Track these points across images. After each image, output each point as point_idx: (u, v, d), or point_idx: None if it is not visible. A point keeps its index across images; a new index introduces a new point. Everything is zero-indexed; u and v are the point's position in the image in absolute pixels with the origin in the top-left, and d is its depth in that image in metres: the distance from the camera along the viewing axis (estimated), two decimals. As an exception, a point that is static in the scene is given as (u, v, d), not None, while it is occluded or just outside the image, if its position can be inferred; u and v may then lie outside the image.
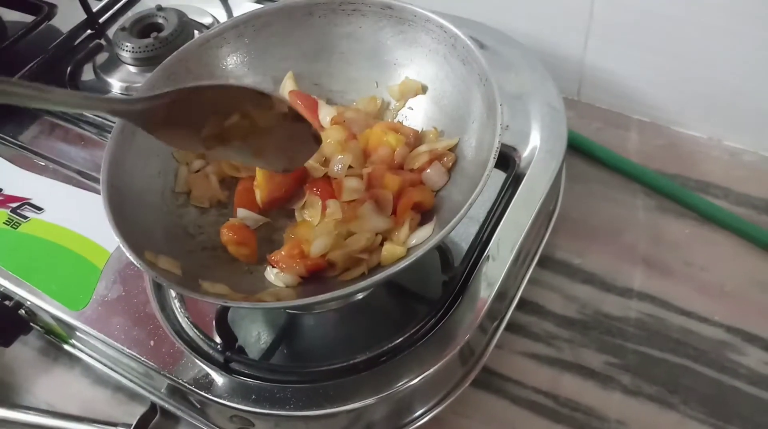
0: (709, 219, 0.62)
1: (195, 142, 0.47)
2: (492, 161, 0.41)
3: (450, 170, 0.50)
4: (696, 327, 0.56)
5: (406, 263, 0.40)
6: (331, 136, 0.52)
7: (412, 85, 0.53)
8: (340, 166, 0.50)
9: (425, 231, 0.47)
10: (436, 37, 0.51)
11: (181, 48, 0.53)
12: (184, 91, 0.45)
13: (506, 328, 0.55)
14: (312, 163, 0.50)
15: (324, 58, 0.56)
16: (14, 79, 0.42)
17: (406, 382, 0.47)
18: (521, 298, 0.56)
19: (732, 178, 0.64)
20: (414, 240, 0.47)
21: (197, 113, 0.46)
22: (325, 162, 0.51)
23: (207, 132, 0.47)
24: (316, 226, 0.48)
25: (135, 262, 0.42)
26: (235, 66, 0.55)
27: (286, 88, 0.56)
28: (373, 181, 0.48)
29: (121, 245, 0.43)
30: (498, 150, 0.42)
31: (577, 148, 0.67)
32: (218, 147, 0.47)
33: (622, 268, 0.60)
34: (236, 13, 0.76)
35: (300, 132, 0.47)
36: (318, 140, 0.48)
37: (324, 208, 0.49)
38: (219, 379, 0.49)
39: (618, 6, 0.63)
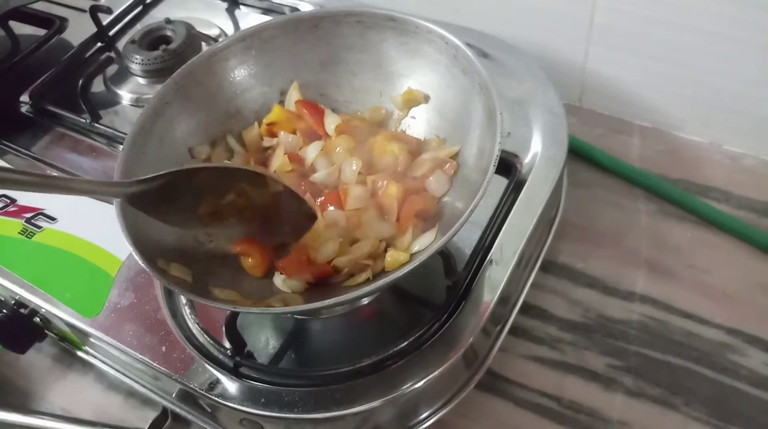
0: (710, 223, 0.62)
1: (191, 220, 0.48)
2: (492, 168, 0.42)
3: (452, 177, 0.51)
4: (698, 329, 0.56)
5: (409, 268, 0.41)
6: (339, 145, 0.53)
7: (415, 95, 0.55)
8: (350, 171, 0.51)
9: (428, 237, 0.48)
10: (438, 47, 0.52)
11: (190, 61, 0.54)
12: (178, 173, 0.46)
13: (510, 332, 0.56)
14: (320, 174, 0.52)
15: (329, 69, 0.57)
16: (16, 169, 0.45)
17: (411, 385, 0.48)
18: (525, 303, 0.57)
19: (733, 182, 0.65)
20: (417, 246, 0.48)
21: (192, 193, 0.47)
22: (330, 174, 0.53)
23: (203, 210, 0.48)
24: (320, 233, 0.49)
25: (147, 270, 0.43)
26: (242, 78, 0.56)
27: (292, 98, 0.57)
28: (377, 189, 0.49)
29: (134, 253, 0.44)
30: (498, 158, 0.43)
31: (579, 154, 0.68)
32: (214, 224, 0.49)
33: (624, 272, 0.60)
34: (243, 25, 0.78)
35: (295, 208, 0.49)
36: (313, 217, 0.49)
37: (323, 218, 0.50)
38: (229, 383, 0.50)
39: (618, 14, 0.64)
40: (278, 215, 0.49)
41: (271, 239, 0.50)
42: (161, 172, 0.45)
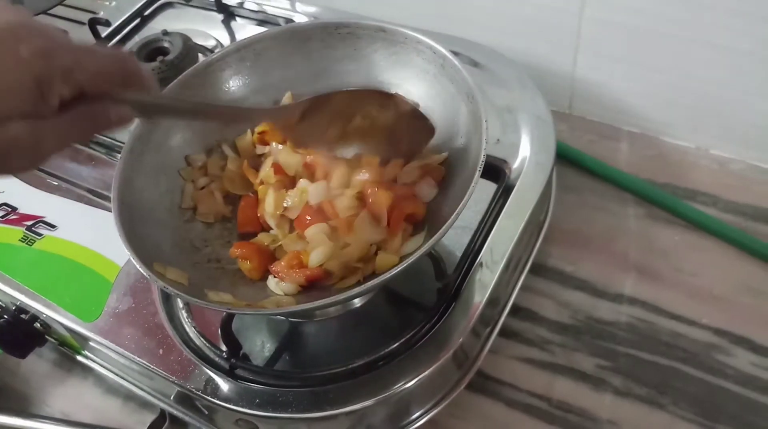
0: (698, 226, 0.63)
1: (321, 142, 0.52)
2: (477, 175, 0.43)
3: (440, 183, 0.52)
4: (685, 330, 0.57)
5: (398, 270, 0.43)
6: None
7: None
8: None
9: (417, 240, 0.49)
10: (427, 57, 0.53)
11: (186, 72, 0.56)
12: (318, 98, 0.50)
13: (501, 334, 0.57)
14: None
15: (322, 78, 0.58)
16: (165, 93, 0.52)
17: (403, 385, 0.49)
18: (515, 305, 0.58)
19: (720, 186, 0.66)
20: (406, 249, 0.49)
21: (326, 116, 0.51)
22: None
23: (331, 134, 0.51)
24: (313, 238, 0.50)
25: (145, 274, 0.45)
26: (237, 88, 0.58)
27: None
28: (367, 196, 0.50)
29: (131, 258, 0.45)
30: (483, 164, 0.44)
31: (569, 160, 0.69)
32: (340, 145, 0.53)
33: (613, 275, 0.61)
34: (239, 36, 0.80)
35: (416, 125, 0.52)
36: (432, 131, 0.52)
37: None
38: (225, 385, 0.51)
39: (604, 23, 0.65)
40: (398, 133, 0.52)
41: (388, 153, 0.53)
42: (306, 98, 0.50)
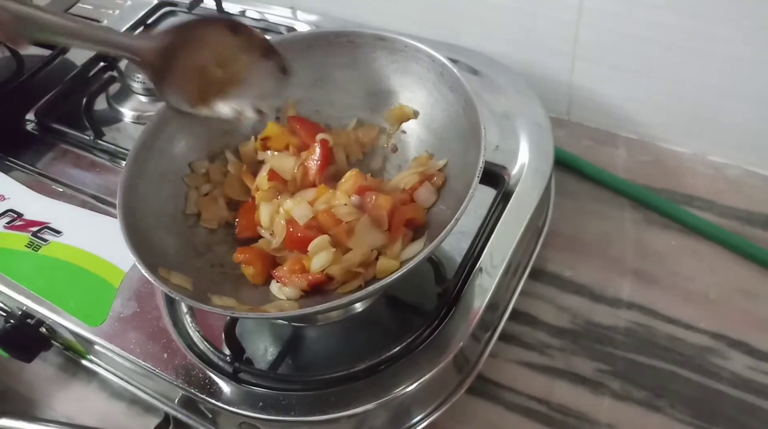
0: (694, 231, 0.64)
1: (188, 100, 0.52)
2: (476, 181, 0.44)
3: (439, 189, 0.53)
4: (682, 334, 0.58)
5: (399, 274, 0.43)
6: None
7: (405, 111, 0.57)
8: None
9: (417, 246, 0.50)
10: (426, 65, 0.54)
11: (190, 80, 0.56)
12: (179, 29, 0.51)
13: (500, 338, 0.58)
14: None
15: (323, 86, 0.59)
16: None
17: (404, 388, 0.49)
18: (515, 309, 0.59)
19: (716, 191, 0.67)
20: (406, 254, 0.50)
21: (190, 65, 0.51)
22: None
23: (196, 93, 0.52)
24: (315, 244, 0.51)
25: (150, 279, 0.45)
26: (240, 95, 0.59)
27: (287, 114, 0.59)
28: (367, 202, 0.51)
29: (137, 263, 0.46)
30: (481, 170, 0.45)
31: (567, 166, 0.70)
32: (203, 106, 0.53)
33: (611, 279, 0.62)
34: (241, 44, 0.81)
35: (271, 68, 0.53)
36: (286, 72, 0.53)
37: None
38: (228, 388, 0.52)
39: (601, 31, 0.66)
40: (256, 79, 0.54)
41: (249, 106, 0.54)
42: (164, 31, 0.51)
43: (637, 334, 0.59)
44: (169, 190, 0.55)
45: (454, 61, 0.52)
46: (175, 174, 0.56)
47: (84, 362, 0.64)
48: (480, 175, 0.45)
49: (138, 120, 0.74)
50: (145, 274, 0.45)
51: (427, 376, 0.50)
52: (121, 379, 0.61)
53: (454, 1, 0.73)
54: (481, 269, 0.55)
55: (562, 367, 0.58)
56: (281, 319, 0.55)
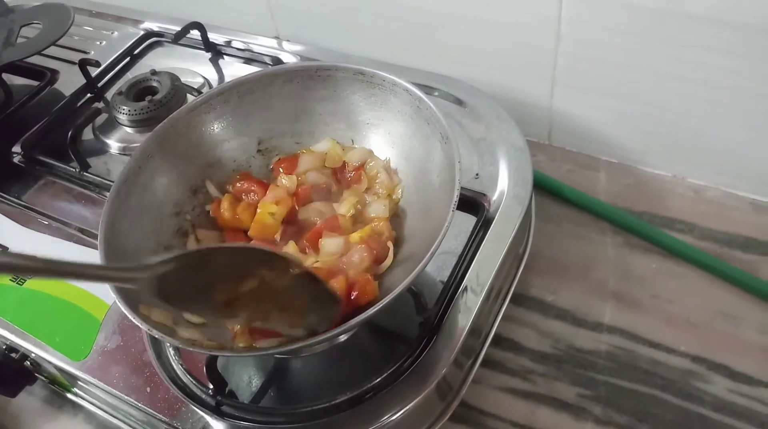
0: (674, 254, 0.65)
1: (207, 308, 0.45)
2: (451, 214, 0.45)
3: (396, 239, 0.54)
4: (663, 358, 0.58)
5: (376, 309, 0.44)
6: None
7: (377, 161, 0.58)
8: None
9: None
10: (403, 99, 0.55)
11: (171, 115, 0.57)
12: (193, 254, 0.44)
13: (483, 364, 0.58)
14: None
15: (304, 119, 0.60)
16: (19, 253, 0.37)
17: (388, 418, 0.50)
18: (497, 335, 0.60)
19: (696, 213, 0.68)
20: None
21: (208, 277, 0.43)
22: None
23: (220, 298, 0.44)
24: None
25: (130, 316, 0.46)
26: (221, 129, 0.59)
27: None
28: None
29: (117, 301, 0.46)
30: (456, 205, 0.45)
31: (548, 190, 0.71)
32: (232, 313, 0.45)
33: (592, 304, 0.63)
34: (226, 73, 0.82)
35: (317, 292, 0.46)
36: (338, 301, 0.47)
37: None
38: (212, 422, 0.52)
39: (579, 58, 0.67)
40: (299, 301, 0.46)
41: (295, 328, 0.47)
42: (175, 254, 0.43)
43: (618, 358, 0.59)
44: (150, 225, 0.55)
45: (434, 89, 0.53)
46: (157, 209, 0.56)
47: (69, 396, 0.64)
48: (455, 209, 0.45)
49: (124, 151, 0.75)
50: (126, 312, 0.45)
51: (410, 405, 0.50)
52: (106, 412, 0.61)
53: (435, 30, 0.74)
54: (462, 295, 0.55)
55: (545, 392, 0.58)
56: (264, 355, 0.56)
